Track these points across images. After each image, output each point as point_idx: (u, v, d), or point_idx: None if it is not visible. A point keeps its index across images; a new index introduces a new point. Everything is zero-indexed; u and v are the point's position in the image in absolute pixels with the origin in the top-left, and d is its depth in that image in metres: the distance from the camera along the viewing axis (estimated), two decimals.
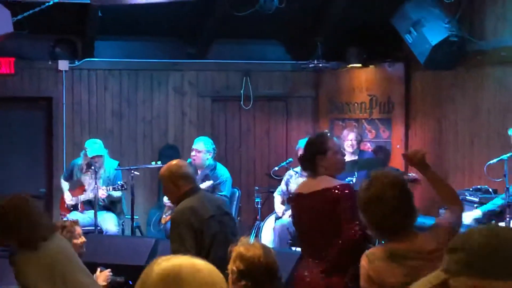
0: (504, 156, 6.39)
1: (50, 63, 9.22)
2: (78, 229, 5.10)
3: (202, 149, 8.08)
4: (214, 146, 8.22)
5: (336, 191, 4.28)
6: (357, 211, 3.35)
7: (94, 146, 8.11)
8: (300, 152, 8.14)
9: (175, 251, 4.45)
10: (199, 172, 8.16)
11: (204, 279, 1.64)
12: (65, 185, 8.37)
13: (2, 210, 3.92)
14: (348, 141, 8.87)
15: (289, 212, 6.70)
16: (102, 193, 7.89)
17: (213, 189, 8.03)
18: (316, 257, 4.31)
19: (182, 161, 5.20)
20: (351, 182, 8.02)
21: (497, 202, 6.67)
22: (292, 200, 4.71)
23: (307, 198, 4.39)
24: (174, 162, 4.98)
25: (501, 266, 1.64)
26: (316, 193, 4.34)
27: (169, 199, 5.20)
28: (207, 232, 4.62)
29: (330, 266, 4.21)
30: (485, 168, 6.52)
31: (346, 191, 4.30)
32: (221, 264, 2.30)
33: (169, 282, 1.63)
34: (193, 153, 8.12)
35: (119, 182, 8.00)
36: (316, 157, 4.42)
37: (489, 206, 6.67)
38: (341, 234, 4.19)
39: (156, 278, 1.64)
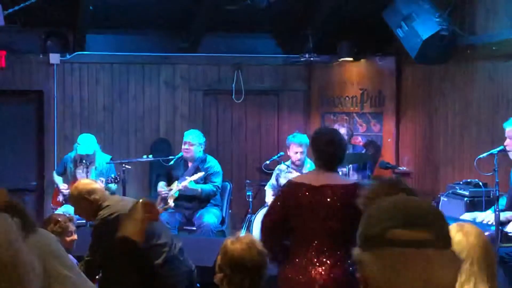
0: (494, 150, 6.40)
1: (41, 56, 9.19)
2: (72, 227, 5.10)
3: (195, 142, 8.14)
4: (204, 138, 8.28)
5: (357, 188, 4.22)
6: None
7: (85, 144, 8.11)
8: (295, 148, 8.21)
9: None
10: (189, 164, 8.21)
11: None
12: (58, 179, 8.41)
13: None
14: None
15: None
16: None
17: (205, 180, 8.08)
18: (319, 254, 4.17)
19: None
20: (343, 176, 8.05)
21: (502, 202, 6.61)
22: (297, 191, 4.30)
23: (320, 190, 4.21)
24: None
25: (368, 234, 1.56)
26: (336, 187, 4.21)
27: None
28: None
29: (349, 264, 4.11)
30: (475, 162, 6.54)
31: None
32: None
33: None
34: (185, 146, 8.15)
35: (112, 175, 8.03)
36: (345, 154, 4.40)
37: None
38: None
39: None
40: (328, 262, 4.15)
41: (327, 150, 4.32)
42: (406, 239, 1.52)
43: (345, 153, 4.39)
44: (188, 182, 7.93)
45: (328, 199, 4.19)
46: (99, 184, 5.34)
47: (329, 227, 4.18)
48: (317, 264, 4.15)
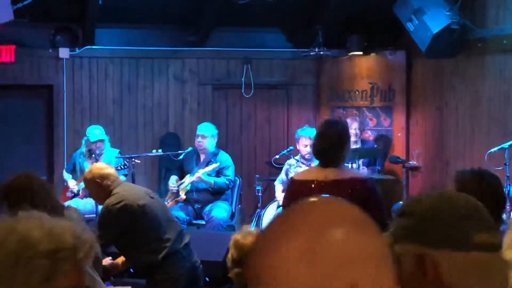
0: (505, 145, 6.38)
1: (50, 51, 9.19)
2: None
3: (207, 134, 8.19)
4: (217, 130, 8.32)
5: (369, 182, 4.13)
6: None
7: (95, 132, 8.18)
8: (305, 141, 8.20)
9: None
10: (202, 158, 8.23)
11: None
12: (67, 176, 8.46)
13: (6, 190, 3.89)
14: (352, 129, 8.87)
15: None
16: None
17: (218, 173, 8.09)
18: None
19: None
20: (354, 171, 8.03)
21: None
22: (305, 188, 4.17)
23: (330, 186, 4.07)
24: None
25: (450, 233, 1.47)
26: (343, 182, 4.09)
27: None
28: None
29: None
30: (486, 156, 6.51)
31: (374, 186, 4.14)
32: None
33: None
34: (198, 139, 8.20)
35: (120, 163, 8.06)
36: (345, 146, 4.20)
37: None
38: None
39: None
40: None
41: (317, 144, 4.23)
42: (490, 243, 1.49)
43: (340, 148, 4.16)
44: (201, 173, 7.94)
45: (336, 193, 4.12)
46: (112, 170, 5.29)
47: None
48: None
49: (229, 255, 3.33)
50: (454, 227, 1.49)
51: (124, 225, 4.95)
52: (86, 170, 5.39)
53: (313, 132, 8.14)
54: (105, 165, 5.36)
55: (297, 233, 1.10)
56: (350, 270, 1.07)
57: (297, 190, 4.22)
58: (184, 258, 5.14)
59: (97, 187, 5.07)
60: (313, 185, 4.13)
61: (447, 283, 1.46)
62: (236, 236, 3.35)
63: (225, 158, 8.22)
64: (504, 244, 2.68)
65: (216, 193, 8.13)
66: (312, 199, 1.18)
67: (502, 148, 6.42)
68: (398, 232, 1.54)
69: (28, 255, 1.50)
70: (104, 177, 5.07)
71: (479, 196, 2.99)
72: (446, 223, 1.49)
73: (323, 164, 4.19)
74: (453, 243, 1.47)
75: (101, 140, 8.17)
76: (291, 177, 4.44)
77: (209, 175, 8.02)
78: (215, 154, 8.20)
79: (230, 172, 8.17)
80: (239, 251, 3.28)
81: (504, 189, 6.22)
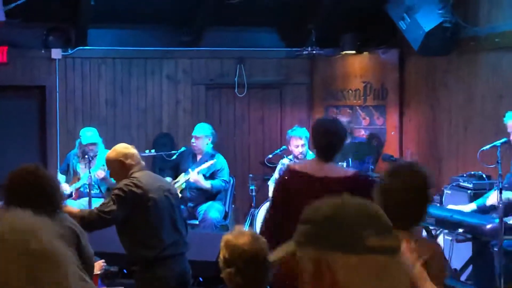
0: (497, 142, 6.38)
1: (43, 51, 9.18)
2: None
3: (200, 135, 8.22)
4: (213, 130, 8.36)
5: (368, 179, 4.22)
6: None
7: (88, 134, 8.17)
8: (295, 142, 8.19)
9: None
10: (198, 158, 8.24)
11: None
12: (61, 178, 8.42)
13: (10, 183, 3.87)
14: None
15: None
16: (100, 172, 7.92)
17: (212, 174, 8.09)
18: None
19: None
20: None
21: (489, 195, 6.66)
22: (298, 179, 4.26)
23: (322, 180, 4.15)
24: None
25: (342, 237, 1.54)
26: (343, 179, 4.16)
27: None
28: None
29: None
30: (478, 154, 6.52)
31: (367, 182, 4.17)
32: None
33: None
34: (192, 140, 8.28)
35: None
36: (343, 144, 4.36)
37: (484, 200, 6.67)
38: None
39: None
40: None
41: (323, 140, 4.32)
42: (385, 246, 1.54)
43: (342, 144, 4.34)
44: (195, 172, 7.93)
45: (328, 191, 4.14)
46: (136, 151, 5.28)
47: None
48: None
49: (221, 255, 3.34)
50: (346, 231, 1.55)
51: (128, 209, 4.95)
52: (110, 151, 5.31)
53: (303, 131, 8.15)
54: (130, 146, 5.32)
55: None
56: None
57: (292, 177, 4.31)
58: (175, 263, 5.11)
59: (120, 166, 5.06)
60: (305, 178, 4.23)
61: (344, 285, 1.52)
62: (228, 236, 3.35)
63: (220, 160, 8.24)
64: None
65: (213, 195, 8.14)
66: None
67: (494, 146, 6.42)
68: (300, 239, 1.61)
69: None
70: (128, 156, 5.09)
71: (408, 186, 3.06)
72: (339, 228, 1.56)
73: (324, 159, 4.29)
74: (346, 246, 1.53)
75: (94, 144, 8.15)
76: (289, 165, 4.49)
77: (204, 174, 8.03)
78: (212, 156, 8.21)
79: (225, 174, 8.21)
80: (230, 251, 3.29)
81: (496, 187, 6.25)
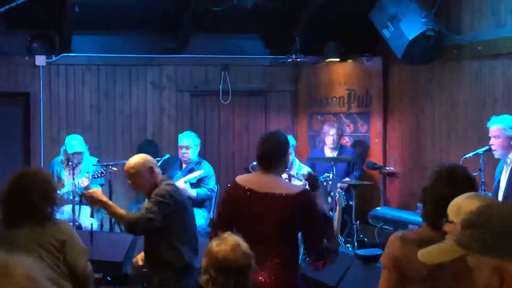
0: (480, 150, 6.43)
1: (27, 58, 9.15)
2: None
3: (192, 145, 8.26)
4: (199, 139, 8.41)
5: (310, 197, 4.26)
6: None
7: (73, 143, 8.13)
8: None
9: None
10: (183, 165, 8.24)
11: None
12: None
13: (7, 188, 3.87)
14: (330, 136, 8.93)
15: None
16: (84, 180, 7.89)
17: (198, 182, 8.09)
18: (268, 254, 4.14)
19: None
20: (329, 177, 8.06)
21: None
22: (240, 193, 4.35)
23: (266, 197, 4.22)
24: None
25: None
26: (286, 196, 4.20)
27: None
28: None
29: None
30: (461, 162, 6.56)
31: (311, 199, 4.26)
32: None
33: None
34: (183, 150, 8.27)
35: (98, 171, 8.02)
36: (285, 155, 4.38)
37: None
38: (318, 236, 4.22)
39: None
40: (274, 264, 4.15)
41: (260, 151, 4.37)
42: None
43: (282, 156, 4.34)
44: (182, 181, 7.93)
45: (269, 207, 4.20)
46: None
47: (269, 233, 4.18)
48: (261, 268, 4.01)
49: (202, 262, 3.34)
50: (507, 237, 1.60)
51: (171, 215, 5.05)
52: (131, 160, 5.39)
53: (291, 139, 8.16)
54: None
55: None
56: None
57: (234, 192, 4.39)
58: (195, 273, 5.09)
59: (150, 173, 5.18)
60: (248, 194, 4.27)
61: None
62: (212, 243, 3.35)
63: (207, 168, 8.26)
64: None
65: (198, 203, 8.14)
66: None
67: (477, 153, 6.46)
68: (472, 245, 1.64)
69: None
70: (155, 164, 5.28)
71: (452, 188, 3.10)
72: (504, 234, 1.60)
73: (264, 170, 4.33)
74: (505, 251, 1.59)
75: (78, 153, 8.13)
76: (235, 179, 4.50)
77: (191, 183, 8.04)
78: (198, 163, 8.25)
79: (211, 182, 8.23)
80: (207, 259, 3.29)
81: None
